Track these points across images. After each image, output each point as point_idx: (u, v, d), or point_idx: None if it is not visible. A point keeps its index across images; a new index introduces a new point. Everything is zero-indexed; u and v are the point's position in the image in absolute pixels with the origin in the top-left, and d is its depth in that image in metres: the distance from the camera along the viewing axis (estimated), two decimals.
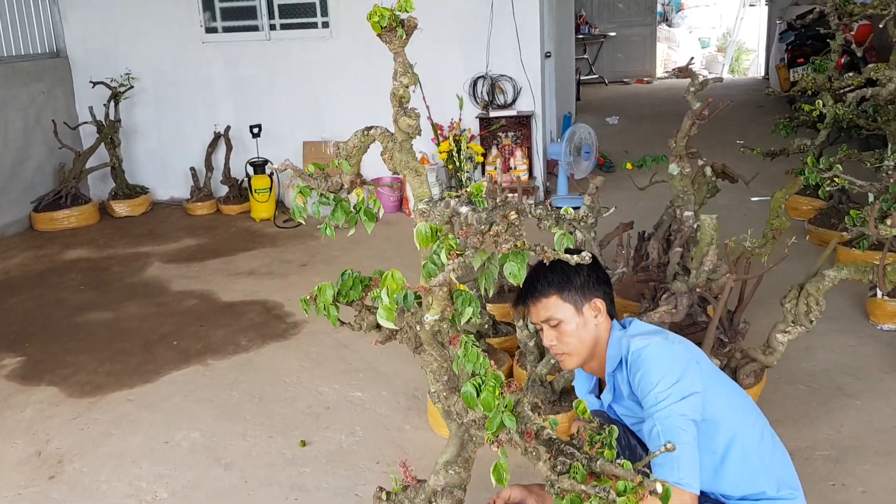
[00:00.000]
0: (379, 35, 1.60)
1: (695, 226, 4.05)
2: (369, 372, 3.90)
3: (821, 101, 4.70)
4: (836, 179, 3.98)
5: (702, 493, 1.99)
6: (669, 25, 17.93)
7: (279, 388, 3.81)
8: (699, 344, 3.20)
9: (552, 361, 3.22)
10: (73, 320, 4.80)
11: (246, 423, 3.50)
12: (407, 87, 1.62)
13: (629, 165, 4.50)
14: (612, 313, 2.24)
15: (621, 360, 2.13)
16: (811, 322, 2.66)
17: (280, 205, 7.03)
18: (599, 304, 2.18)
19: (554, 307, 2.16)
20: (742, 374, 2.77)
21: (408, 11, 1.47)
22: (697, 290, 3.09)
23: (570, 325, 2.15)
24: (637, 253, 4.36)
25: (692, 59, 4.36)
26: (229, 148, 7.06)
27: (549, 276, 2.16)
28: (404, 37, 1.51)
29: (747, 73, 15.82)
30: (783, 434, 3.14)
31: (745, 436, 2.11)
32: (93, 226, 6.88)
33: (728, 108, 3.98)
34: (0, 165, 6.59)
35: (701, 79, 4.05)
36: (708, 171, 4.37)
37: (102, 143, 7.02)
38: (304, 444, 3.29)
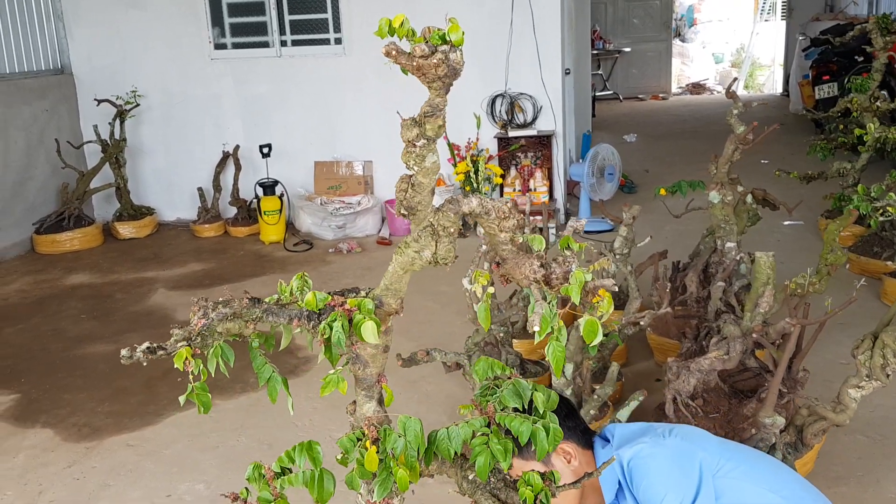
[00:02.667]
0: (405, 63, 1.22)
1: (738, 258, 3.78)
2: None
3: (871, 125, 4.42)
4: (889, 209, 3.70)
5: None
6: (682, 40, 17.69)
7: (290, 433, 3.53)
8: (754, 392, 2.92)
9: (591, 412, 2.94)
10: (71, 353, 4.54)
11: None
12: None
13: (663, 191, 4.22)
14: (588, 436, 1.99)
15: (619, 483, 1.89)
16: (888, 376, 2.37)
17: (290, 227, 6.78)
18: (568, 447, 1.91)
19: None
20: (809, 433, 2.48)
21: (456, 45, 1.19)
22: (754, 334, 2.80)
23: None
24: (672, 285, 4.08)
25: (735, 79, 4.10)
26: (238, 168, 6.82)
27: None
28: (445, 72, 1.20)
29: (762, 90, 15.56)
30: (846, 494, 2.86)
31: None
32: (96, 248, 6.63)
33: (774, 131, 3.70)
34: (1, 185, 6.35)
35: (742, 102, 3.78)
36: (749, 198, 4.10)
37: (107, 163, 6.78)
38: None
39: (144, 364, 1.30)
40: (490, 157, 6.51)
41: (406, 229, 6.59)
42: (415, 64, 1.20)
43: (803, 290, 2.98)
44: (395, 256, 1.35)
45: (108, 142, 6.75)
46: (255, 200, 6.70)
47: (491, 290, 1.39)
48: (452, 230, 1.32)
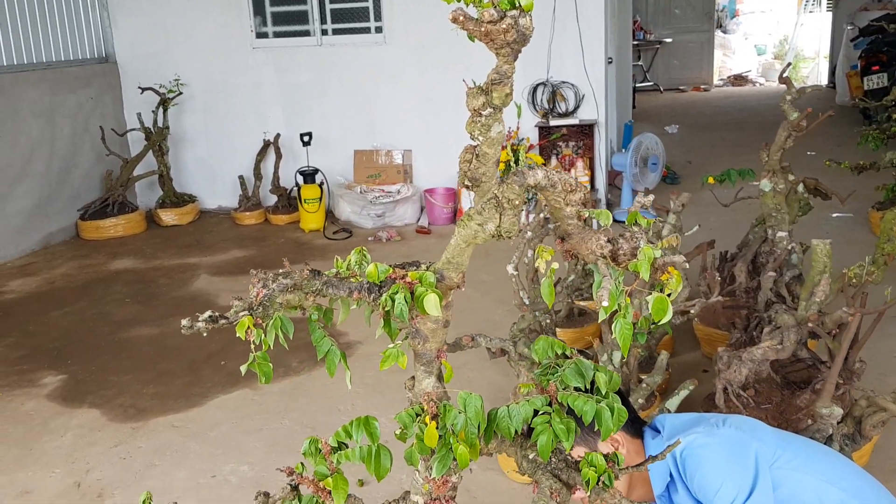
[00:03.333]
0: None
1: (789, 247, 3.69)
2: None
3: None
4: None
5: None
6: (724, 32, 17.36)
7: (332, 417, 3.53)
8: (807, 384, 2.85)
9: (639, 401, 2.89)
10: (117, 336, 4.60)
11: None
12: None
13: (711, 180, 4.14)
14: (638, 426, 1.93)
15: (671, 475, 1.83)
16: None
17: (330, 215, 6.79)
18: (617, 436, 1.85)
19: None
20: (868, 424, 2.41)
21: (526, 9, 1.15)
22: (809, 324, 2.73)
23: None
24: (720, 275, 4.00)
25: (789, 64, 3.99)
26: (279, 156, 6.85)
27: None
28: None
29: (806, 81, 15.22)
30: None
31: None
32: (140, 235, 6.71)
33: (830, 118, 3.60)
34: (47, 172, 6.46)
35: (797, 87, 3.68)
36: (801, 187, 4.00)
37: (150, 151, 6.86)
38: (361, 483, 3.00)
39: (205, 334, 1.29)
40: (531, 147, 6.45)
41: (445, 219, 6.56)
42: (483, 30, 1.17)
43: (860, 280, 2.90)
44: (458, 230, 1.32)
45: (152, 130, 6.82)
46: (295, 188, 6.73)
47: (555, 265, 1.35)
48: (517, 202, 1.28)
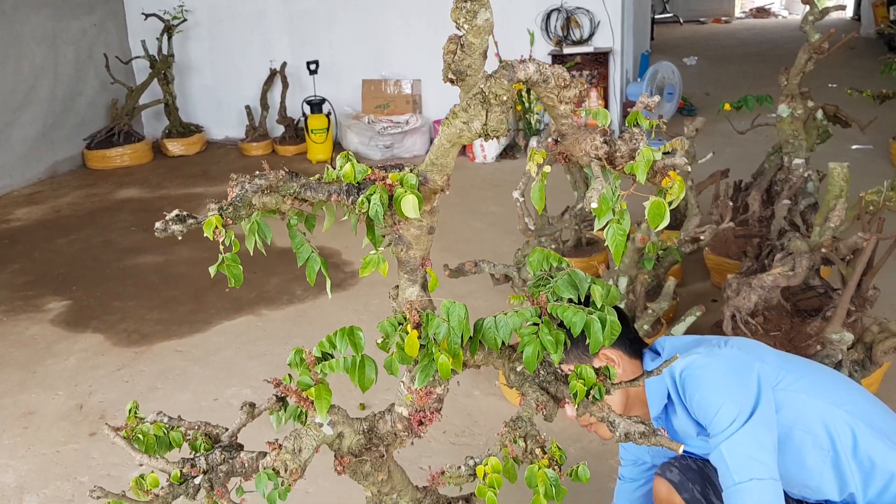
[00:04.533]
0: None
1: (805, 175, 3.57)
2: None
3: None
4: None
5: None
6: None
7: None
8: (818, 312, 2.77)
9: (645, 327, 2.83)
10: (122, 263, 4.58)
11: None
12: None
13: (727, 106, 3.98)
14: (637, 346, 1.83)
15: (669, 396, 1.75)
16: None
17: (337, 147, 6.69)
18: (612, 354, 1.76)
19: None
20: (879, 350, 2.34)
21: None
22: (822, 249, 2.64)
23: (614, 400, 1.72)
24: (734, 205, 3.89)
25: None
26: (285, 85, 6.71)
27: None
28: None
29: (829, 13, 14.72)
30: None
31: (837, 431, 1.69)
32: (146, 164, 6.65)
33: (854, 40, 3.43)
34: (52, 100, 6.37)
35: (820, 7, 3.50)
36: (819, 113, 3.85)
37: (155, 79, 6.74)
38: (363, 407, 2.99)
39: (179, 238, 1.23)
40: None
41: None
42: None
43: (877, 206, 2.79)
44: (442, 128, 1.24)
45: (156, 58, 6.69)
46: (302, 119, 6.62)
47: (547, 168, 1.27)
48: (505, 98, 1.19)
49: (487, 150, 6.30)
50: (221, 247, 1.18)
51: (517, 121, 6.30)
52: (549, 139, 1.31)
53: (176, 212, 1.16)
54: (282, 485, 1.31)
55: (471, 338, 1.30)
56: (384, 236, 1.32)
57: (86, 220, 5.33)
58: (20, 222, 5.35)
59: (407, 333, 1.23)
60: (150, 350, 3.55)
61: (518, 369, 1.33)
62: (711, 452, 1.61)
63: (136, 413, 1.50)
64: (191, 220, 1.14)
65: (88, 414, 3.06)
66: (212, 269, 1.21)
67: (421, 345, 1.24)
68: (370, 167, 1.27)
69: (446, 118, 1.24)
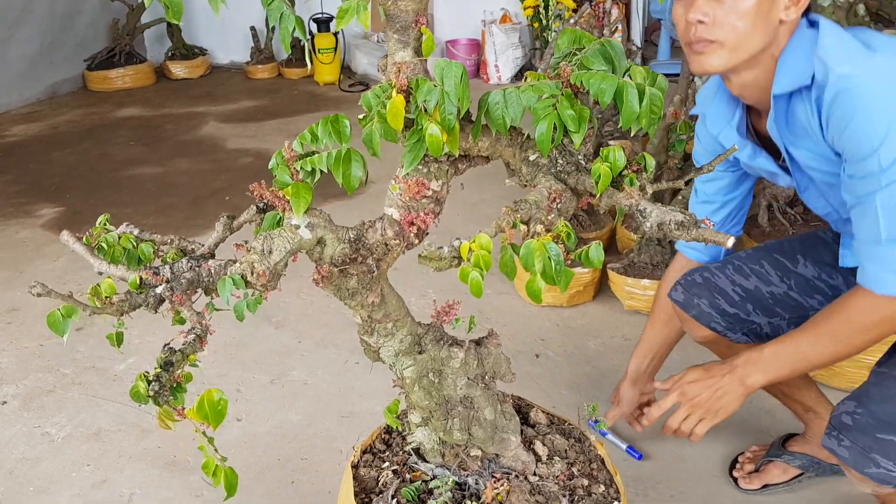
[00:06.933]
0: None
1: None
2: (444, 232, 3.35)
3: None
4: None
5: None
6: None
7: None
8: None
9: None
10: (119, 174, 4.37)
11: (302, 280, 3.00)
12: None
13: None
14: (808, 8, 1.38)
15: (811, 84, 1.32)
16: None
17: (346, 70, 6.41)
18: None
19: None
20: None
21: None
22: None
23: (748, 2, 1.30)
24: None
25: None
26: (291, 2, 6.41)
27: None
28: None
29: None
30: None
31: None
32: (148, 87, 6.40)
33: None
34: (50, 17, 6.11)
35: None
36: (861, 8, 3.55)
37: None
38: None
39: None
40: None
41: (468, 72, 6.16)
42: None
43: None
44: None
45: None
46: (308, 38, 6.33)
47: None
48: None
49: (503, 71, 6.01)
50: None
51: (533, 39, 6.00)
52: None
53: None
54: (252, 296, 1.11)
55: (476, 117, 1.06)
56: None
57: (84, 136, 5.12)
58: (16, 138, 5.14)
59: (389, 100, 0.99)
60: None
61: (531, 158, 1.09)
62: (850, 195, 1.32)
63: (105, 225, 1.30)
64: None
65: None
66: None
67: (410, 119, 1.01)
68: None
69: None
